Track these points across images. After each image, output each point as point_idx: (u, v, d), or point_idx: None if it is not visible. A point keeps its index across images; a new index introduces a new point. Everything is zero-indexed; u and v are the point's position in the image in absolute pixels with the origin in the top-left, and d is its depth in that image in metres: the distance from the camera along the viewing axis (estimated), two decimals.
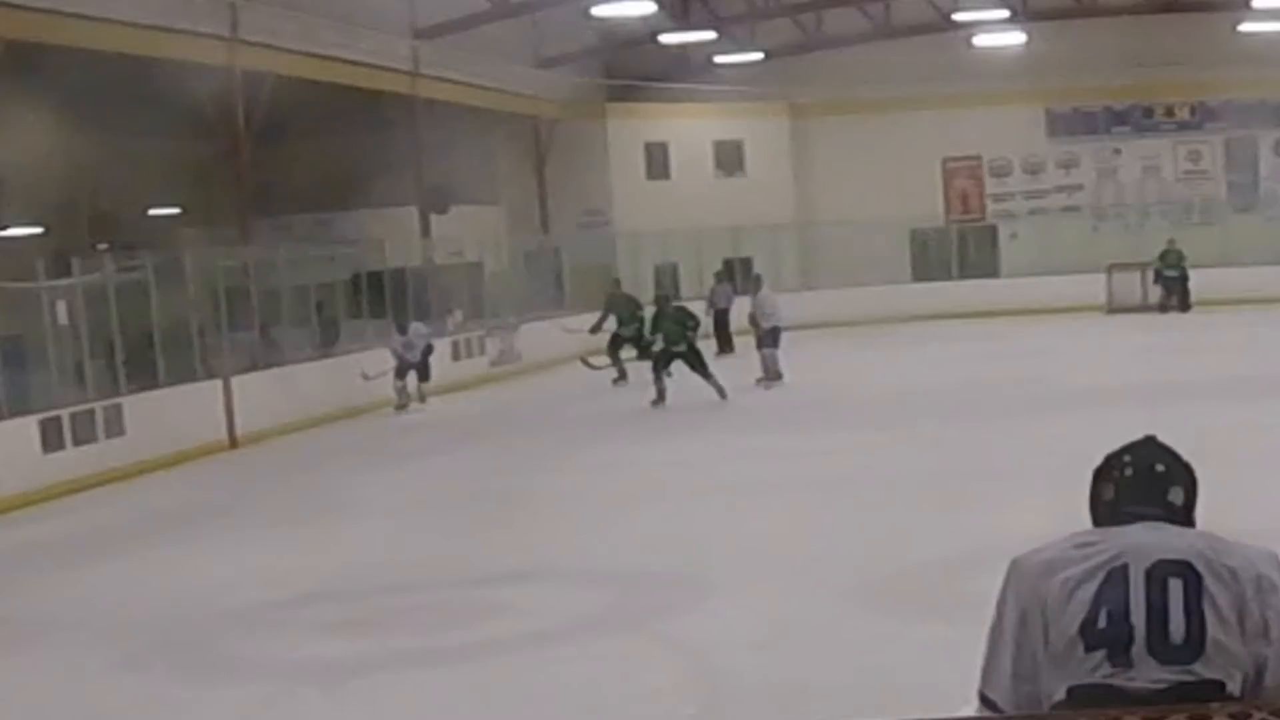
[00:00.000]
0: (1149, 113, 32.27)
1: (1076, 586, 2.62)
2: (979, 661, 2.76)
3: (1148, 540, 2.66)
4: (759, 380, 20.05)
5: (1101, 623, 2.58)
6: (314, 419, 18.64)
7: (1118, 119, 32.44)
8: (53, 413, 15.00)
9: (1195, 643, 2.54)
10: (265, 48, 20.41)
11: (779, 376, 20.09)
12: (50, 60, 17.67)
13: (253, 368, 18.74)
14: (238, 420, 17.53)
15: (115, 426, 15.57)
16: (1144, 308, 28.58)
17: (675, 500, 12.33)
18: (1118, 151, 32.49)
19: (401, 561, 10.55)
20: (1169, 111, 32.22)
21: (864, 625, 7.98)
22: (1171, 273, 28.74)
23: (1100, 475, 2.84)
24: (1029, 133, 32.50)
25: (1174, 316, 27.78)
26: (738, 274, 31.91)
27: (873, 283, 29.63)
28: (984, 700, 2.73)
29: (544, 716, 7.02)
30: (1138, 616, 2.57)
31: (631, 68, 31.21)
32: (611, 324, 22.75)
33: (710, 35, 29.93)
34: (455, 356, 23.37)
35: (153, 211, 25.52)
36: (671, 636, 8.10)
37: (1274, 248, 28.51)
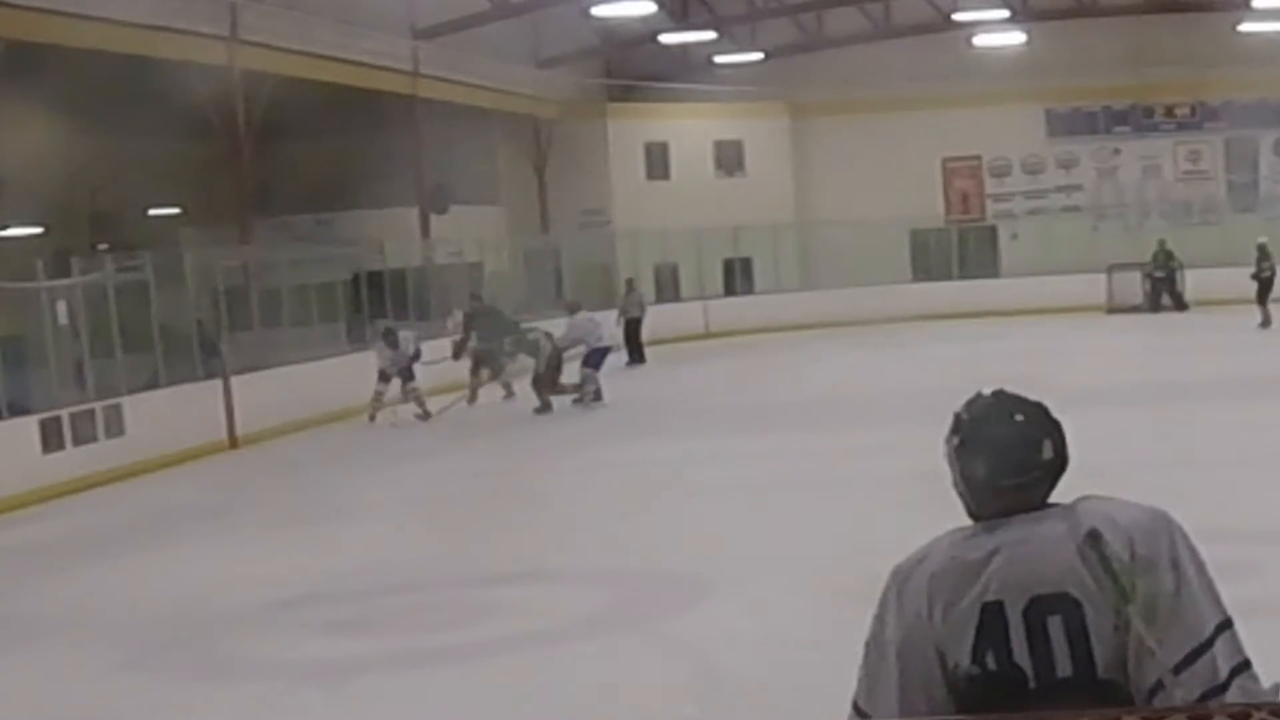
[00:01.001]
0: (1149, 113, 32.27)
1: (960, 625, 2.50)
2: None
3: (1023, 561, 2.48)
4: (575, 401, 19.13)
5: (991, 664, 2.48)
6: (314, 419, 18.64)
7: (1118, 119, 32.45)
8: (53, 413, 15.00)
9: (1084, 673, 2.44)
10: (265, 48, 20.42)
11: (599, 397, 19.24)
12: (50, 60, 17.67)
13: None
14: (238, 420, 17.53)
15: (115, 426, 15.57)
16: (1142, 308, 28.64)
17: (675, 500, 12.33)
18: (1118, 151, 32.49)
19: (401, 561, 10.55)
20: (1169, 111, 32.23)
21: (864, 625, 7.97)
22: (1159, 273, 28.82)
23: (966, 451, 2.59)
24: (1029, 133, 32.51)
25: (1173, 316, 27.78)
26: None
27: (873, 283, 29.62)
28: (860, 714, 2.63)
29: (544, 717, 7.02)
30: (1022, 658, 2.46)
31: (631, 68, 31.23)
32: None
33: (710, 35, 29.96)
34: (456, 356, 23.34)
35: (153, 211, 25.54)
36: (671, 636, 8.10)
37: (1274, 248, 28.49)
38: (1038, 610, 2.45)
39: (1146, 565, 2.44)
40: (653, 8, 24.01)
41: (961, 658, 2.49)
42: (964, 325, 27.35)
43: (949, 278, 31.59)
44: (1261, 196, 31.74)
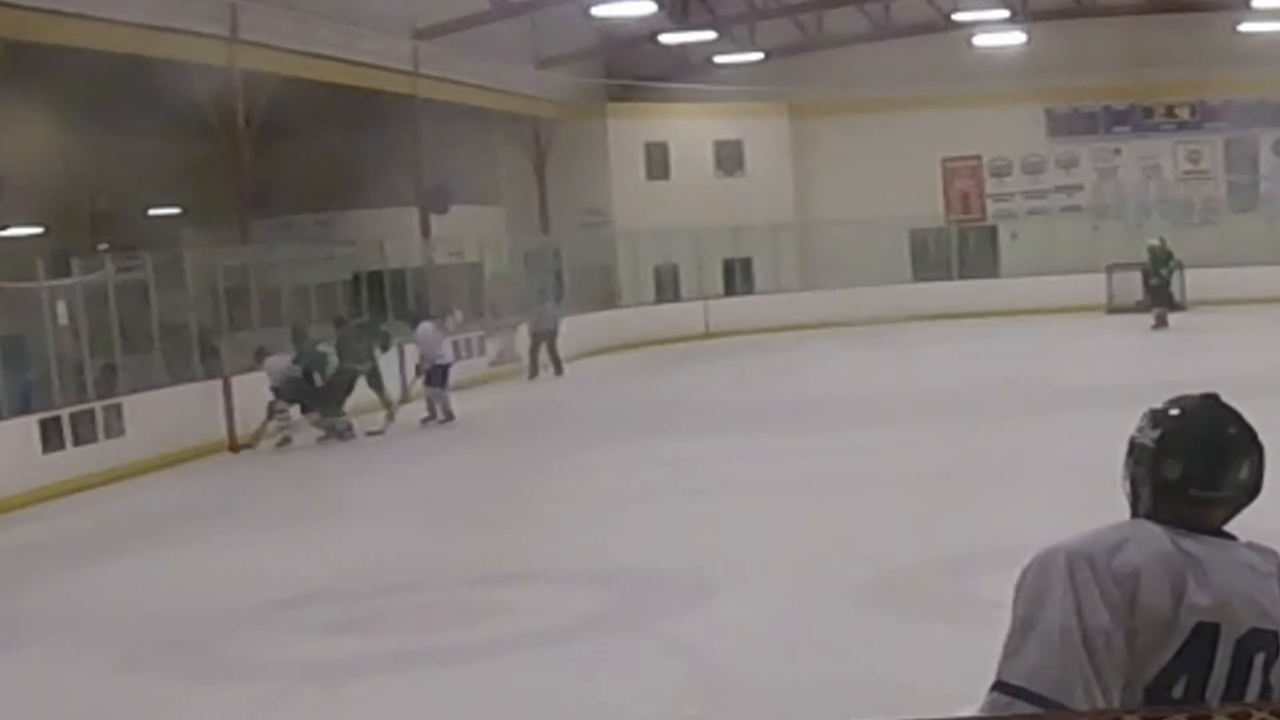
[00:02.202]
0: (1149, 113, 32.27)
1: (1159, 636, 2.30)
2: (997, 656, 2.36)
3: (1240, 590, 2.34)
4: (424, 421, 18.32)
5: (1177, 692, 2.30)
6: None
7: (1118, 119, 32.45)
8: (53, 413, 15.00)
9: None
10: (265, 48, 20.41)
11: (450, 416, 18.43)
12: (50, 60, 17.66)
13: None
14: (238, 420, 17.51)
15: (115, 426, 15.57)
16: (1144, 304, 28.64)
17: (675, 500, 12.32)
18: (1118, 151, 32.49)
19: (401, 562, 10.55)
20: (1169, 111, 32.23)
21: (864, 625, 7.98)
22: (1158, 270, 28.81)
23: (1165, 447, 2.45)
24: (1029, 133, 32.51)
25: (1173, 316, 27.73)
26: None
27: (873, 283, 29.62)
28: (1044, 702, 2.26)
29: (544, 716, 7.02)
30: (1214, 693, 2.31)
31: (631, 68, 31.22)
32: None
33: (710, 35, 29.94)
34: (455, 356, 23.33)
35: (153, 211, 25.52)
36: (671, 636, 8.10)
37: (1274, 248, 28.51)
38: (1251, 644, 2.33)
39: None
40: (653, 8, 23.99)
41: (1145, 671, 2.31)
42: (964, 325, 27.34)
43: (949, 278, 31.59)
44: (1261, 196, 31.75)
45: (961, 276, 31.61)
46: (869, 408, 17.43)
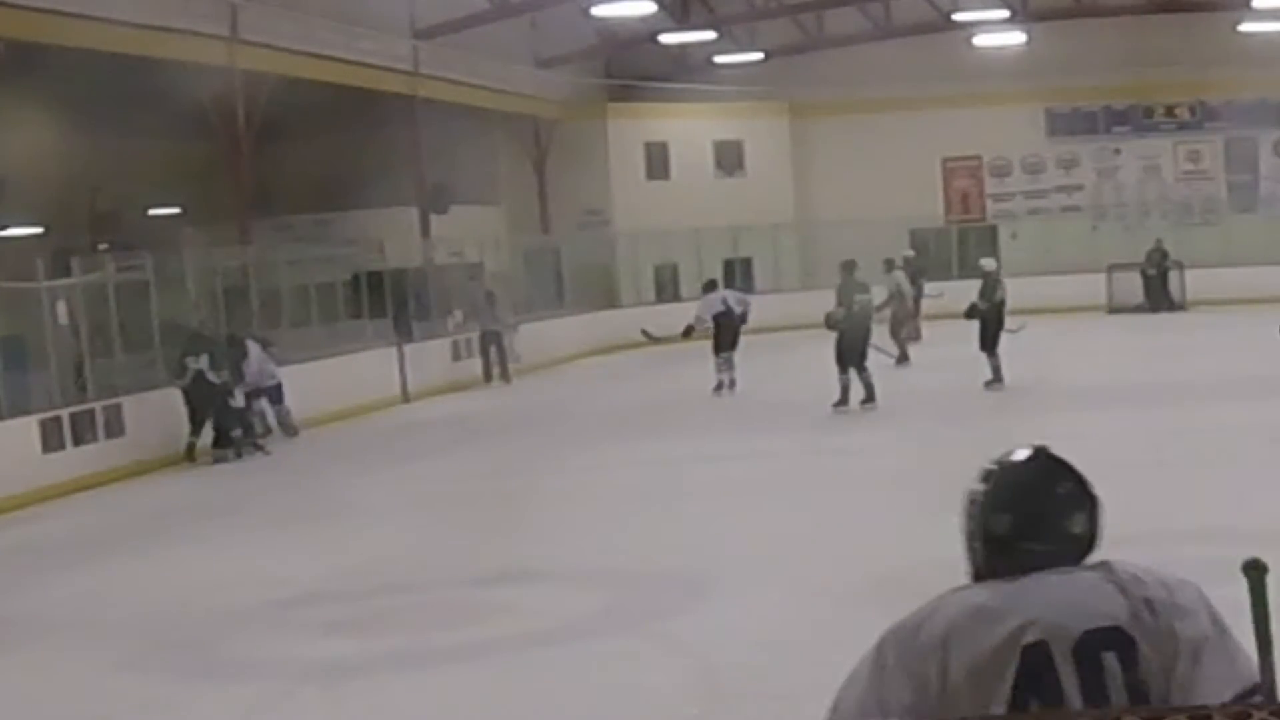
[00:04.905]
0: (1149, 113, 32.28)
1: (990, 675, 2.27)
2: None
3: (1062, 601, 2.30)
4: (249, 451, 16.77)
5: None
6: (314, 419, 18.62)
7: (1118, 119, 32.46)
8: (53, 413, 15.01)
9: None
10: (265, 48, 20.42)
11: (294, 431, 17.81)
12: (50, 60, 17.68)
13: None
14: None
15: (115, 426, 15.58)
16: (1142, 308, 28.66)
17: (675, 500, 12.33)
18: (1118, 151, 32.50)
19: (401, 561, 10.55)
20: (1169, 111, 32.24)
21: (864, 625, 7.93)
22: (1151, 270, 28.89)
23: (991, 502, 2.43)
24: (1029, 133, 32.52)
25: (1173, 316, 27.78)
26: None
27: (872, 283, 29.53)
28: None
29: (544, 717, 7.02)
30: (1075, 702, 2.25)
31: (631, 68, 31.23)
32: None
33: (710, 35, 29.96)
34: (455, 357, 23.36)
35: (153, 211, 25.54)
36: (671, 636, 8.10)
37: (1274, 248, 28.51)
38: (1090, 647, 2.28)
39: (1185, 611, 2.33)
40: (653, 8, 24.03)
41: (994, 709, 2.27)
42: (963, 325, 27.27)
43: (949, 278, 31.55)
44: (1261, 196, 31.75)
45: (961, 276, 31.55)
46: (869, 407, 17.41)
